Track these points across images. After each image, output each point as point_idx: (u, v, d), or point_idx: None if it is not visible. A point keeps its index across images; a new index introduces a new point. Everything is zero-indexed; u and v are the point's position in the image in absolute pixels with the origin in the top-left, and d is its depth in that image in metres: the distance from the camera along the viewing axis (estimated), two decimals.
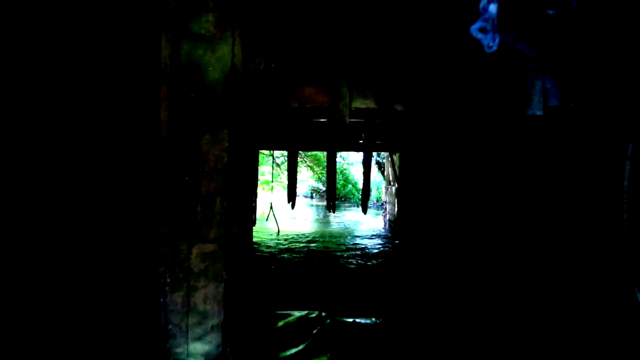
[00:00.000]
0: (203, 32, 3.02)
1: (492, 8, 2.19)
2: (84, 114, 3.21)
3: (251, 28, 3.40)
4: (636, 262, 2.88)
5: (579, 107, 2.88)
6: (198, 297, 3.08)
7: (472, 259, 5.85)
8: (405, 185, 10.65)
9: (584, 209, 3.31)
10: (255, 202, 9.32)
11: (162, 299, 3.09)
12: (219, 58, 3.04)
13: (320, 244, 9.73)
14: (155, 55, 3.05)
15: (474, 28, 2.28)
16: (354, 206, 20.26)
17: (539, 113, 2.98)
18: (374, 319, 4.80)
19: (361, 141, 9.74)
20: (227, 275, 3.09)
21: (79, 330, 3.20)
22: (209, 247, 3.07)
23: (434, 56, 5.05)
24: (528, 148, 4.11)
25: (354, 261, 7.88)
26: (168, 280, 3.06)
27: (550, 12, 2.27)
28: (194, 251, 3.07)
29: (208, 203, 3.05)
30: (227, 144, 3.04)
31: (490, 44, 2.19)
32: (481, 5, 2.22)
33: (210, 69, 3.01)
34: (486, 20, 2.20)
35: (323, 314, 4.81)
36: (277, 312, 4.87)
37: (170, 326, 3.09)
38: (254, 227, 9.74)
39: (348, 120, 5.35)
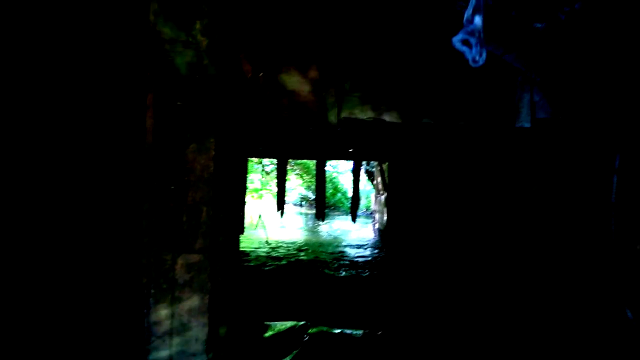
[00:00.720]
0: (190, 39, 2.99)
1: (477, 20, 2.12)
2: (67, 119, 3.15)
3: (240, 35, 3.38)
4: (625, 278, 2.88)
5: (567, 120, 2.88)
6: (182, 309, 3.02)
7: (461, 270, 5.85)
8: (395, 195, 10.65)
9: (572, 224, 3.31)
10: (243, 210, 9.26)
11: (145, 311, 3.02)
12: (207, 66, 3.01)
13: (309, 253, 9.68)
14: (141, 61, 3.01)
15: (456, 40, 2.22)
16: (343, 214, 20.22)
17: (527, 125, 2.98)
18: (362, 330, 4.76)
19: (351, 150, 9.74)
20: (213, 286, 3.04)
21: (56, 342, 3.12)
22: (195, 257, 3.02)
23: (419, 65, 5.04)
24: (516, 160, 4.12)
25: (343, 271, 7.84)
26: (152, 291, 3.00)
27: (539, 25, 2.26)
28: (179, 262, 3.01)
29: (194, 213, 3.00)
30: (213, 153, 3.00)
31: (477, 58, 2.14)
32: (465, 16, 2.16)
33: (197, 77, 2.98)
34: (470, 33, 2.13)
35: (310, 324, 4.75)
36: (265, 322, 4.81)
37: (153, 338, 3.02)
38: (242, 235, 9.66)
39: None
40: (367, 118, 4.52)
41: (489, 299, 5.02)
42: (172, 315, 3.01)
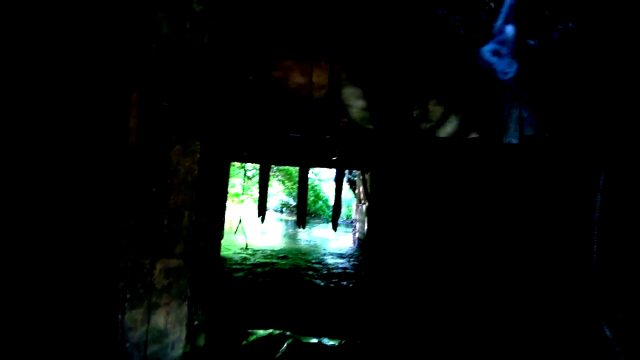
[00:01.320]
0: (179, 39, 2.93)
1: (509, 30, 2.05)
2: (44, 116, 3.05)
3: (234, 34, 3.33)
4: (604, 294, 2.89)
5: (553, 137, 2.90)
6: (159, 315, 2.93)
7: (442, 281, 5.86)
8: (376, 204, 10.66)
9: (554, 241, 3.34)
10: (224, 215, 9.14)
11: (120, 316, 2.92)
12: (196, 66, 2.95)
13: (288, 261, 9.59)
14: (127, 58, 2.94)
15: (487, 50, 2.16)
16: (324, 222, 20.18)
17: (515, 141, 2.99)
18: (339, 340, 4.71)
19: (334, 158, 9.74)
20: (192, 292, 2.96)
21: (25, 347, 2.99)
22: (174, 262, 2.94)
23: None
24: (499, 175, 4.15)
25: (321, 280, 7.78)
26: (128, 296, 2.90)
27: (532, 42, 2.28)
28: (158, 266, 2.93)
29: (175, 216, 2.93)
30: (198, 156, 2.94)
31: (506, 70, 2.09)
32: (496, 26, 2.10)
33: (185, 78, 2.92)
34: (501, 43, 2.07)
35: (287, 333, 4.68)
36: (243, 330, 4.73)
37: (128, 344, 2.92)
38: (221, 240, 9.47)
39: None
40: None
41: (469, 310, 5.03)
42: (149, 322, 2.92)
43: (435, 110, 4.00)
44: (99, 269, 3.03)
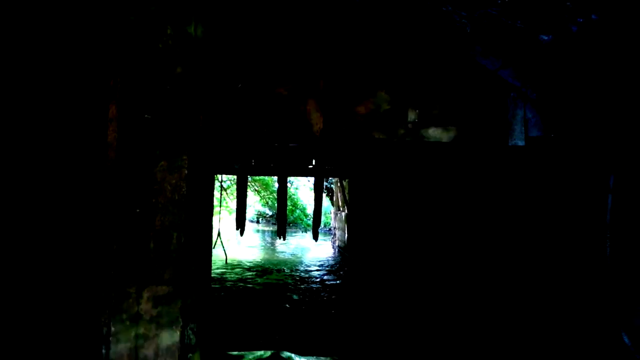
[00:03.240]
0: (160, 45, 2.69)
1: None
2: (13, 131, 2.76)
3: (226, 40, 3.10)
4: (620, 301, 2.77)
5: (561, 138, 2.79)
6: (149, 349, 2.65)
7: (437, 288, 5.73)
8: (357, 212, 10.52)
9: (565, 246, 3.22)
10: (212, 233, 8.82)
11: (104, 351, 2.64)
12: (180, 74, 2.71)
13: (270, 274, 9.33)
14: (103, 66, 2.68)
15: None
16: (302, 231, 19.95)
17: (521, 144, 2.86)
18: (330, 357, 4.50)
19: (311, 166, 9.56)
20: (184, 321, 2.70)
21: None
22: (163, 289, 2.67)
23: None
24: (497, 178, 4.04)
25: (305, 293, 7.55)
26: (112, 329, 2.62)
27: (545, 37, 2.15)
28: (145, 294, 2.65)
29: (163, 239, 2.67)
30: (186, 172, 2.69)
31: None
32: None
33: (169, 87, 2.67)
34: None
35: (283, 354, 4.44)
36: (229, 352, 4.46)
37: None
38: (211, 260, 9.16)
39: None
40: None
41: (468, 318, 4.90)
42: (137, 356, 2.64)
43: (433, 114, 3.86)
44: (78, 301, 2.74)
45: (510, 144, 2.87)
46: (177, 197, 2.68)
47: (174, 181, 2.68)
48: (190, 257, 2.74)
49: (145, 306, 2.66)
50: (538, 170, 3.35)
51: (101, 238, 2.63)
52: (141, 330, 2.66)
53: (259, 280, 8.60)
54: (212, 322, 5.50)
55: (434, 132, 3.93)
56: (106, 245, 2.62)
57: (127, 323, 2.65)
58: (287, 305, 6.62)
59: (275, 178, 13.78)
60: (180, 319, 2.69)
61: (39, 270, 2.77)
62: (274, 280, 8.60)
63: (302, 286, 8.08)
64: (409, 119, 3.80)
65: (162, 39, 2.69)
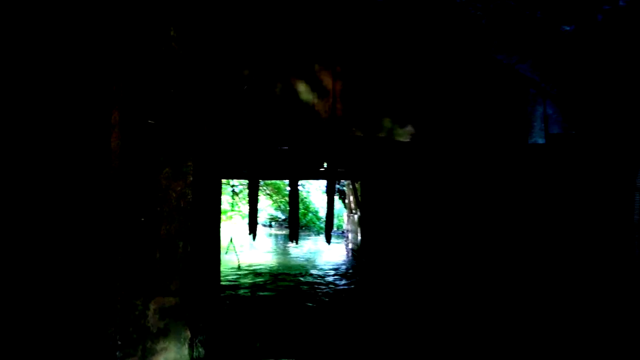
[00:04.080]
0: (164, 48, 2.60)
1: None
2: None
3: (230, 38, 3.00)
4: None
5: (583, 135, 2.64)
6: None
7: (451, 300, 5.57)
8: (369, 214, 10.37)
9: (591, 246, 3.06)
10: (220, 240, 8.75)
11: None
12: (184, 78, 2.62)
13: (284, 278, 9.22)
14: (106, 71, 2.60)
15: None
16: (314, 234, 19.81)
17: (541, 141, 2.72)
18: None
19: (322, 169, 9.46)
20: (193, 334, 2.60)
21: None
22: (170, 300, 2.58)
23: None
24: (517, 176, 3.87)
25: (319, 299, 7.43)
26: (119, 342, 2.53)
27: (567, 27, 2.01)
28: (152, 306, 2.56)
29: (168, 248, 2.58)
30: (191, 179, 2.59)
31: None
32: None
33: (172, 90, 2.58)
34: None
35: None
36: None
37: None
38: (220, 268, 9.09)
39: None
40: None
41: (491, 326, 4.74)
42: None
43: (449, 112, 3.67)
44: (84, 314, 2.65)
45: (530, 142, 2.73)
46: (182, 205, 2.59)
47: (179, 188, 2.59)
48: (198, 267, 2.64)
49: (152, 319, 2.56)
50: (560, 168, 3.19)
51: (106, 248, 2.54)
52: (148, 344, 2.57)
53: (271, 286, 8.49)
54: (222, 333, 5.40)
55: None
56: (111, 255, 2.53)
57: (134, 337, 2.56)
58: (300, 313, 6.50)
59: (287, 182, 13.69)
60: (188, 332, 2.59)
61: (43, 282, 2.69)
62: (287, 285, 8.48)
63: (315, 291, 7.96)
64: (423, 117, 3.65)
65: (166, 41, 2.60)
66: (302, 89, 3.38)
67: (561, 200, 3.20)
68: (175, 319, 2.58)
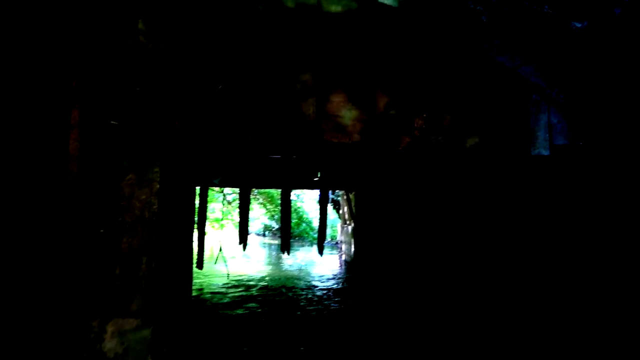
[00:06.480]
0: (130, 42, 2.35)
1: None
2: None
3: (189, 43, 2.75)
4: None
5: (592, 146, 2.39)
6: None
7: (451, 315, 5.32)
8: (363, 225, 10.13)
9: (607, 262, 2.82)
10: (203, 244, 8.50)
11: None
12: (152, 74, 2.37)
13: (275, 291, 8.92)
14: (64, 66, 2.34)
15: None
16: (308, 245, 19.51)
17: (546, 153, 2.47)
18: None
19: (316, 179, 9.23)
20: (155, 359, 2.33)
21: None
22: (130, 322, 2.31)
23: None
24: (528, 190, 3.63)
25: (314, 311, 7.14)
26: None
27: (578, 24, 1.78)
28: (109, 329, 2.29)
29: (130, 264, 2.31)
30: (158, 187, 2.33)
31: None
32: None
33: (138, 88, 2.33)
34: None
35: None
36: None
37: None
38: (201, 270, 8.87)
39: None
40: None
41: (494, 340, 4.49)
42: None
43: (445, 120, 3.44)
44: (28, 338, 2.37)
45: (533, 154, 2.48)
46: (147, 215, 2.33)
47: (143, 197, 2.33)
48: (164, 285, 2.38)
49: (109, 343, 2.29)
50: (566, 181, 2.94)
51: (59, 263, 2.27)
52: None
53: (260, 299, 8.19)
54: (193, 357, 5.10)
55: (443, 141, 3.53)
56: (64, 271, 2.26)
57: None
58: (287, 331, 6.21)
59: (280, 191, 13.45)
60: (150, 358, 2.31)
61: None
62: (276, 296, 8.18)
63: (308, 303, 7.67)
64: (415, 126, 3.40)
65: (133, 34, 2.36)
66: (283, 89, 3.14)
67: (571, 217, 2.96)
68: (136, 344, 2.31)
